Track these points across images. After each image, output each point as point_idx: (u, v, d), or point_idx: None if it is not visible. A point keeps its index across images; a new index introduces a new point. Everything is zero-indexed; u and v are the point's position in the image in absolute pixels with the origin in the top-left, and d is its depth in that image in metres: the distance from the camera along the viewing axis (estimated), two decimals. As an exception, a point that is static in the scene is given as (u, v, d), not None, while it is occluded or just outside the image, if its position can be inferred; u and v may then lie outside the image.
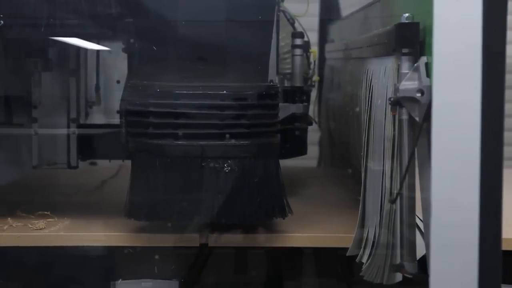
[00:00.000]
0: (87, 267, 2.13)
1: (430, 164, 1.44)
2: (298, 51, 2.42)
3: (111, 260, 2.13)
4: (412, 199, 1.60)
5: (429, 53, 1.54)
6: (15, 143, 2.56)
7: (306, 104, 2.35)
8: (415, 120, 1.56)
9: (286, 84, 2.47)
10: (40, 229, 2.08)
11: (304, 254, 2.33)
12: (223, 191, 1.92)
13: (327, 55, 3.12)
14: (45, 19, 2.00)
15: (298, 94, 2.33)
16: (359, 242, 1.85)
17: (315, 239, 2.04)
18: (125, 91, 2.08)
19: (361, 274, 1.82)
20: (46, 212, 2.20)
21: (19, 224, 2.11)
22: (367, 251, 1.81)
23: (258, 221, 2.05)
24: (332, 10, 3.31)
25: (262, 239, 2.07)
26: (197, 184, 1.92)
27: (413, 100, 1.55)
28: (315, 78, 2.83)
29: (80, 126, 2.48)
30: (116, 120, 2.26)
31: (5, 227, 2.07)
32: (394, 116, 1.65)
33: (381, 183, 1.74)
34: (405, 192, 1.60)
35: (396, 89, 1.59)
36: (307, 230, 2.06)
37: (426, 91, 1.53)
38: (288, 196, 2.02)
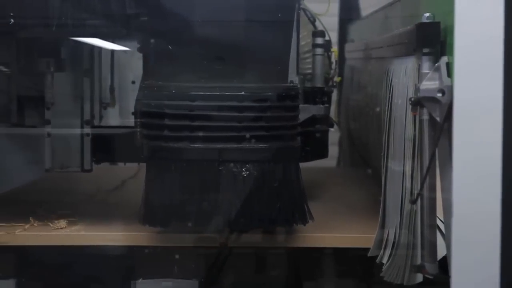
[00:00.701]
0: (107, 267, 2.14)
1: (451, 165, 1.43)
2: (319, 51, 2.34)
3: (131, 260, 2.14)
4: (433, 200, 1.60)
5: (450, 53, 1.53)
6: (29, 144, 2.54)
7: (327, 105, 2.29)
8: (436, 120, 1.55)
9: (306, 85, 2.39)
10: (61, 228, 2.09)
11: (324, 254, 2.32)
12: (241, 197, 1.88)
13: (347, 55, 3.11)
14: (57, 18, 1.97)
15: (319, 95, 2.26)
16: (380, 242, 1.84)
17: (335, 240, 2.04)
18: (140, 92, 2.04)
19: (381, 274, 1.81)
20: (67, 212, 2.20)
21: (40, 223, 2.11)
22: (388, 252, 1.80)
23: (277, 227, 2.02)
24: (352, 9, 3.29)
25: (281, 239, 2.06)
26: (214, 189, 1.88)
27: (434, 100, 1.55)
28: (337, 78, 2.78)
29: (94, 128, 2.42)
30: (131, 121, 2.21)
31: (26, 226, 2.08)
32: (414, 116, 1.64)
33: (401, 184, 1.73)
34: (425, 193, 1.59)
35: (417, 89, 1.58)
36: (327, 231, 2.06)
37: (447, 91, 1.52)
38: (307, 196, 2.00)
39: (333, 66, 2.64)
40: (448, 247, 1.52)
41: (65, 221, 2.13)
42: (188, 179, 1.89)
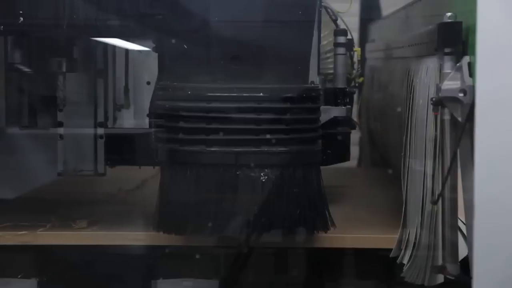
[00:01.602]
0: (128, 266, 2.14)
1: (473, 165, 1.43)
2: (341, 50, 2.24)
3: (152, 259, 2.14)
4: (454, 200, 1.59)
5: (472, 53, 1.53)
6: (42, 147, 2.51)
7: (349, 106, 2.21)
8: (458, 120, 1.54)
9: (327, 86, 2.29)
10: (82, 228, 2.09)
11: (345, 255, 2.32)
12: (260, 203, 1.83)
13: (368, 55, 3.10)
14: (69, 17, 1.93)
15: (340, 96, 2.18)
16: (402, 243, 1.83)
17: (356, 240, 2.03)
18: (155, 93, 2.00)
19: (402, 275, 1.81)
20: (87, 212, 2.21)
21: (62, 223, 2.12)
22: (408, 252, 1.79)
23: (298, 234, 1.96)
24: (373, 9, 3.27)
25: (302, 240, 2.05)
26: (231, 194, 1.83)
27: (455, 100, 1.54)
28: (360, 79, 2.68)
29: (108, 130, 2.33)
30: (146, 124, 2.16)
31: (47, 226, 2.09)
32: (436, 116, 1.63)
33: (422, 184, 1.72)
34: (447, 193, 1.58)
35: (438, 89, 1.57)
36: (348, 231, 2.05)
37: (469, 91, 1.52)
38: (328, 196, 1.98)
39: (356, 66, 2.54)
40: (470, 248, 1.51)
41: (86, 220, 2.13)
42: (204, 184, 1.85)
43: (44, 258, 2.14)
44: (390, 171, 2.69)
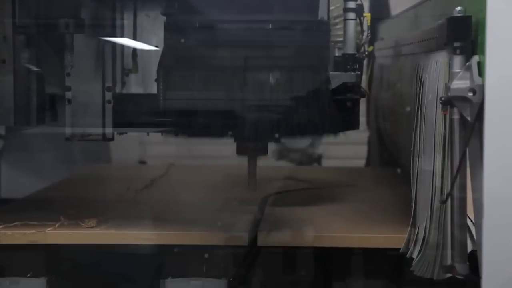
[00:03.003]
0: (136, 265, 2.15)
1: (482, 164, 1.42)
2: (350, 15, 2.19)
3: (161, 258, 2.14)
4: (463, 200, 1.58)
5: (482, 52, 1.52)
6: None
7: (358, 73, 2.17)
8: (467, 119, 1.54)
9: (337, 54, 2.26)
10: (91, 227, 2.09)
11: (353, 254, 2.31)
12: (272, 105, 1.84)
13: (376, 53, 3.09)
14: None
15: (350, 62, 2.15)
16: (410, 241, 1.83)
17: (363, 240, 2.02)
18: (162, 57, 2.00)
19: (411, 269, 1.80)
20: (97, 211, 2.21)
21: (71, 222, 2.12)
22: (418, 247, 1.79)
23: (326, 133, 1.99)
24: (382, 8, 3.26)
25: (310, 239, 2.05)
26: (241, 97, 1.84)
27: (464, 99, 1.53)
28: (369, 48, 2.61)
29: (116, 95, 2.28)
30: (154, 89, 2.09)
31: (56, 225, 2.09)
32: (445, 116, 1.62)
33: (431, 182, 1.72)
34: (456, 193, 1.58)
35: (448, 88, 1.57)
36: (356, 231, 2.05)
37: (478, 90, 1.51)
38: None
39: (366, 32, 2.43)
40: (479, 247, 1.50)
41: (95, 219, 2.13)
42: (212, 86, 1.86)
43: (53, 257, 2.14)
44: (398, 170, 2.69)
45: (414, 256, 1.80)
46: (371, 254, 2.23)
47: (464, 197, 1.58)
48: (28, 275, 2.10)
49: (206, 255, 2.12)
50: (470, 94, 1.53)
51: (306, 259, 2.41)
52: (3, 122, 2.22)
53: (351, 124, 2.18)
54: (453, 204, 1.60)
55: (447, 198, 1.59)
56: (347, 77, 2.12)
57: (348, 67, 2.15)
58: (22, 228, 2.06)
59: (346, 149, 4.34)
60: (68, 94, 2.23)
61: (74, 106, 2.23)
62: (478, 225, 1.47)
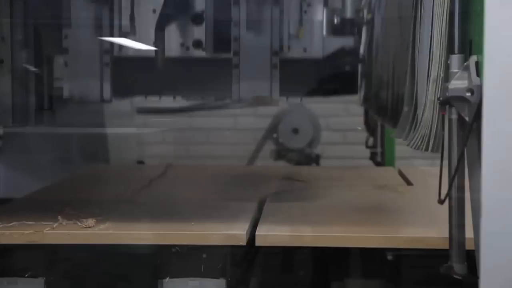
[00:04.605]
0: (135, 265, 2.14)
1: (480, 164, 1.42)
2: None
3: (159, 258, 2.13)
4: (461, 200, 1.58)
5: (479, 52, 1.52)
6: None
7: (357, 37, 2.21)
8: (465, 119, 1.54)
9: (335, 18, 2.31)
10: (89, 227, 2.09)
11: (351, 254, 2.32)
12: None
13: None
14: None
15: (348, 27, 2.19)
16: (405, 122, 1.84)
17: (361, 240, 2.02)
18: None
19: (407, 144, 1.81)
20: (94, 211, 2.21)
21: (69, 222, 2.11)
22: (413, 124, 1.80)
23: None
24: None
25: (308, 239, 2.05)
26: None
27: (462, 99, 1.54)
28: (368, 14, 2.57)
29: (113, 58, 2.27)
30: (151, 52, 2.13)
31: (54, 225, 2.09)
32: (443, 116, 1.63)
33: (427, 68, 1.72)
34: (454, 193, 1.58)
35: (446, 89, 1.57)
36: (353, 231, 2.05)
37: (476, 90, 1.51)
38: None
39: None
40: (477, 247, 1.50)
41: (93, 219, 2.13)
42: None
43: (51, 257, 2.14)
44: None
45: (410, 132, 1.81)
46: (369, 254, 2.24)
47: (462, 197, 1.58)
48: (26, 275, 2.10)
49: (204, 255, 2.11)
50: (468, 94, 1.53)
51: (305, 259, 2.41)
52: (2, 122, 2.21)
53: (349, 88, 2.26)
54: (451, 205, 1.59)
55: (445, 199, 1.59)
56: (345, 41, 2.17)
57: (346, 31, 2.19)
58: (20, 228, 2.05)
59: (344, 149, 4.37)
60: (66, 57, 2.23)
61: (72, 68, 2.24)
62: (476, 225, 1.47)
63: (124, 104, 3.48)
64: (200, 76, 2.29)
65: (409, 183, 2.66)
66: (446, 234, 1.80)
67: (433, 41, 1.70)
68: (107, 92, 2.26)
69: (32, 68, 2.25)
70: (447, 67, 1.66)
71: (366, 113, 3.51)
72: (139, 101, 3.67)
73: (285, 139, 3.84)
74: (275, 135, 3.89)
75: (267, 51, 2.21)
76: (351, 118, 3.78)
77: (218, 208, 2.27)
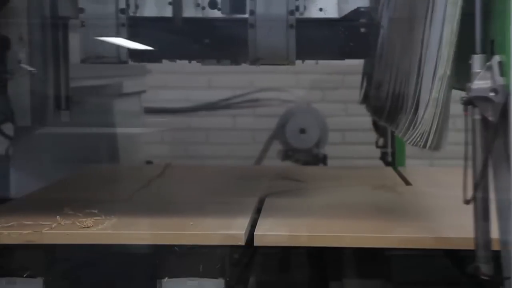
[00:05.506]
0: (133, 265, 2.12)
1: (508, 165, 1.42)
2: None
3: (157, 258, 2.12)
4: (486, 201, 1.58)
5: (502, 52, 1.53)
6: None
7: None
8: (488, 120, 1.54)
9: None
10: (88, 227, 2.06)
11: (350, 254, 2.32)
12: None
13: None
14: None
15: None
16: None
17: (354, 240, 2.02)
18: None
19: (404, 140, 1.81)
20: (93, 211, 2.18)
21: (67, 222, 2.09)
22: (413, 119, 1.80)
23: None
24: None
25: (305, 239, 2.04)
26: None
27: (486, 99, 1.54)
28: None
29: (129, 18, 2.23)
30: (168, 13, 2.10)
31: (53, 225, 2.06)
32: (466, 117, 1.62)
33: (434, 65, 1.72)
34: (480, 194, 1.57)
35: (469, 89, 1.57)
36: (348, 230, 2.05)
37: (501, 90, 1.51)
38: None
39: None
40: (504, 247, 1.50)
41: (92, 219, 2.10)
42: None
43: (50, 257, 2.10)
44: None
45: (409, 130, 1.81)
46: (369, 254, 2.24)
47: (487, 199, 1.58)
48: (24, 275, 2.06)
49: (203, 255, 2.10)
50: (492, 94, 1.53)
51: (303, 259, 2.41)
52: (20, 122, 2.18)
53: (363, 51, 2.21)
54: (477, 207, 1.59)
55: (470, 200, 1.59)
56: (360, 1, 2.13)
57: None
58: (18, 228, 2.02)
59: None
60: (81, 16, 2.20)
61: (88, 29, 2.20)
62: (504, 225, 1.47)
63: (133, 103, 3.47)
64: (215, 38, 2.24)
65: (407, 183, 2.67)
66: (439, 234, 1.84)
67: (443, 39, 1.70)
68: (123, 52, 2.23)
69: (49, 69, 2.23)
70: (454, 65, 1.67)
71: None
72: (145, 99, 3.66)
73: (292, 139, 3.84)
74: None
75: (283, 11, 2.19)
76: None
77: (216, 208, 2.25)
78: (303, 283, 2.41)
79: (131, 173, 2.59)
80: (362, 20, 2.12)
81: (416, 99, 1.83)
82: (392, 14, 2.15)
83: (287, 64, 2.23)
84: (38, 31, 2.23)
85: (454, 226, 1.96)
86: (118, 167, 2.78)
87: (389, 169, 2.96)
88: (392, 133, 3.31)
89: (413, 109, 1.84)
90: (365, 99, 2.94)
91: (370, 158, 3.54)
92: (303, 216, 2.18)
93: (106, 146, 2.30)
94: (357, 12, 2.10)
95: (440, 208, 2.29)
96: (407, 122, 1.86)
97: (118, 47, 2.22)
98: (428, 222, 2.10)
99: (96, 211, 2.18)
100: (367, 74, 2.88)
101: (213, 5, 2.18)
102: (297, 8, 2.18)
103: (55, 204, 2.29)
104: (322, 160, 3.81)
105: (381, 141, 3.39)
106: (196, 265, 2.09)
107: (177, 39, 1.99)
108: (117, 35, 2.22)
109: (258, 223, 2.10)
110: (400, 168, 2.92)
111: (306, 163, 3.80)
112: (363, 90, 2.97)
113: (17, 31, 2.09)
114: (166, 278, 2.09)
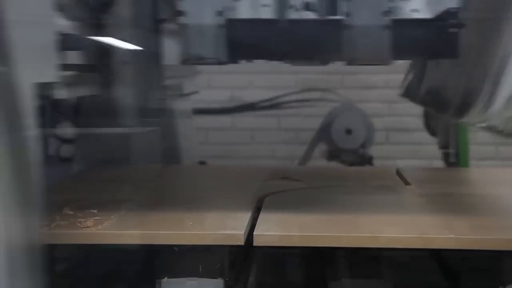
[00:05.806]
0: (133, 265, 2.14)
1: None
2: None
3: (157, 258, 2.13)
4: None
5: None
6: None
7: None
8: None
9: None
10: (88, 227, 2.08)
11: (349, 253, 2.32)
12: None
13: None
14: None
15: None
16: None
17: (351, 240, 2.02)
18: None
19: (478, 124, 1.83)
20: (92, 211, 2.20)
21: (67, 222, 2.10)
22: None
23: None
24: None
25: (295, 240, 2.04)
26: None
27: None
28: None
29: (228, 20, 2.28)
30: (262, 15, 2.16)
31: (52, 225, 2.07)
32: None
33: None
34: None
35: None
36: (344, 230, 2.05)
37: None
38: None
39: None
40: None
41: (92, 219, 2.12)
42: None
43: (49, 257, 2.12)
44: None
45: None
46: (369, 254, 2.24)
47: None
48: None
49: (202, 255, 2.11)
50: None
51: (303, 259, 2.41)
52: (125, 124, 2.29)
53: (451, 52, 2.20)
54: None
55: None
56: (449, 2, 2.15)
57: None
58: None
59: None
60: (183, 19, 2.26)
61: (188, 31, 2.26)
62: None
63: (188, 103, 3.50)
64: (310, 39, 2.28)
65: (407, 183, 2.67)
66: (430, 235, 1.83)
67: None
68: (223, 54, 2.28)
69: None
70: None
71: (426, 115, 3.49)
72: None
73: (338, 140, 3.82)
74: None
75: (377, 11, 2.23)
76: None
77: (216, 208, 2.26)
78: (302, 283, 2.42)
79: (132, 173, 2.61)
80: (453, 21, 2.15)
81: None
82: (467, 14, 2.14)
83: (382, 64, 2.26)
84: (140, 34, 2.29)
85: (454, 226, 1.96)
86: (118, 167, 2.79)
87: (389, 169, 2.94)
88: (456, 134, 3.29)
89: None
90: (408, 92, 2.94)
91: (418, 159, 3.51)
92: (303, 216, 2.18)
93: (168, 146, 2.32)
94: (448, 13, 2.13)
95: (438, 208, 2.29)
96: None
97: (217, 48, 2.27)
98: (428, 222, 2.09)
99: (96, 211, 2.18)
100: (417, 69, 2.89)
101: (307, 7, 2.20)
102: (391, 9, 2.21)
103: (54, 204, 2.29)
104: (368, 160, 3.78)
105: (442, 141, 3.35)
106: (196, 265, 2.11)
107: (275, 40, 2.02)
108: (216, 37, 2.27)
109: (257, 223, 2.10)
110: (401, 168, 2.90)
111: (352, 163, 3.79)
112: (406, 83, 2.97)
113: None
114: (166, 278, 2.11)
